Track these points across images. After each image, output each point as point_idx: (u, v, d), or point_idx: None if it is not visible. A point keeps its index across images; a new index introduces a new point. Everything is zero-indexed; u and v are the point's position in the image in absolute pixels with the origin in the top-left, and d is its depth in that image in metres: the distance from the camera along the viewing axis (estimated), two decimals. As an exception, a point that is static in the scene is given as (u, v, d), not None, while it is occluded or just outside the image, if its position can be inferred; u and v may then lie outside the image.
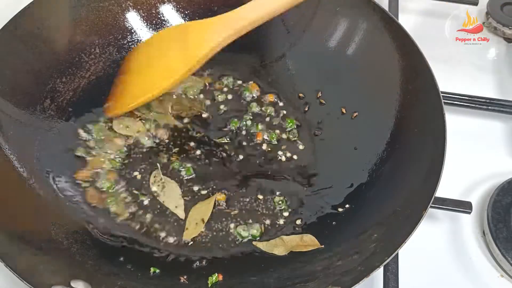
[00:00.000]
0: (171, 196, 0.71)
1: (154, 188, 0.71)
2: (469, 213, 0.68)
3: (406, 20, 0.83)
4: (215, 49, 0.68)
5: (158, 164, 0.73)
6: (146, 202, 0.70)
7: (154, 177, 0.72)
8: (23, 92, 0.72)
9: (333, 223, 0.68)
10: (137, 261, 0.66)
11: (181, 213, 0.70)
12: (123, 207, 0.70)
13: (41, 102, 0.73)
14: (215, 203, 0.70)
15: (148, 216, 0.69)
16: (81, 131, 0.74)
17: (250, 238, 0.68)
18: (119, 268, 0.64)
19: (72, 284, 0.57)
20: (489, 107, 0.80)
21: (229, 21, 0.67)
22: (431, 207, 0.60)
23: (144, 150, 0.75)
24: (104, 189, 0.71)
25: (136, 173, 0.73)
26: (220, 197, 0.71)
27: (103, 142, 0.74)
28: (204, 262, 0.65)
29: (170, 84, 0.70)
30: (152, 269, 0.64)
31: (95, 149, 0.74)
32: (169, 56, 0.71)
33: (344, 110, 0.77)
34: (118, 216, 0.69)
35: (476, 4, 0.91)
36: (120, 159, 0.74)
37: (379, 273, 0.61)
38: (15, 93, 0.71)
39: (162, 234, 0.68)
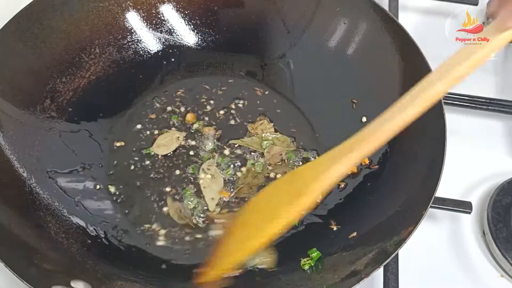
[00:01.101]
0: (213, 188, 0.72)
1: (201, 175, 0.73)
2: (469, 213, 0.68)
3: (406, 20, 0.83)
4: (335, 181, 0.55)
5: (215, 154, 0.75)
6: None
7: (209, 165, 0.74)
8: (23, 92, 0.72)
9: (333, 223, 0.68)
10: (138, 261, 0.66)
11: (212, 206, 0.71)
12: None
13: (41, 102, 0.73)
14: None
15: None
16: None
17: None
18: (119, 268, 0.64)
19: (72, 284, 0.57)
20: (489, 107, 0.80)
21: (337, 157, 0.55)
22: (431, 207, 0.60)
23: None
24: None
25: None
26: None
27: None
28: None
29: (276, 228, 0.57)
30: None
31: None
32: (275, 203, 0.59)
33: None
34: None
35: (476, 4, 0.91)
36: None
37: (379, 273, 0.61)
38: (15, 93, 0.71)
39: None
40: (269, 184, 0.66)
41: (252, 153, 0.76)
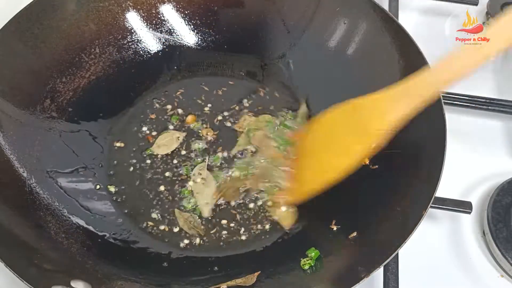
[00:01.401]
0: (206, 192, 0.71)
1: (190, 183, 0.72)
2: (469, 213, 0.68)
3: (406, 20, 0.82)
4: (400, 122, 0.58)
5: (206, 158, 0.74)
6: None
7: (200, 170, 0.73)
8: (23, 92, 0.72)
9: (333, 223, 0.68)
10: (138, 261, 0.66)
11: (206, 212, 0.70)
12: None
13: (41, 102, 0.73)
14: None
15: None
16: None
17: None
18: (119, 268, 0.64)
19: (72, 284, 0.57)
20: (489, 107, 0.80)
21: (412, 91, 0.57)
22: (431, 207, 0.60)
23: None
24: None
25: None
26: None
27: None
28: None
29: (346, 166, 0.62)
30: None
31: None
32: (343, 138, 0.64)
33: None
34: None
35: (476, 4, 0.91)
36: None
37: (379, 273, 0.61)
38: (15, 93, 0.71)
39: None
40: (329, 113, 0.67)
41: (244, 151, 0.76)
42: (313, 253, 0.63)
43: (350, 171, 0.63)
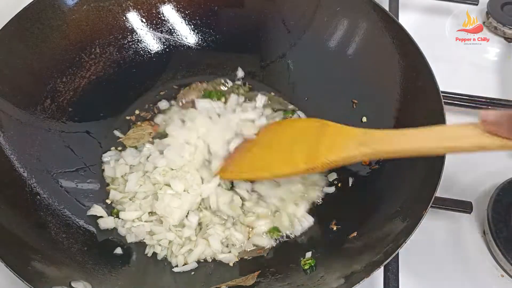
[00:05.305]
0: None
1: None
2: (469, 213, 0.68)
3: (406, 20, 0.83)
4: (347, 161, 0.61)
5: None
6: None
7: None
8: (23, 92, 0.72)
9: (334, 223, 0.68)
10: (139, 261, 0.66)
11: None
12: None
13: (42, 102, 0.73)
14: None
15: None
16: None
17: None
18: (119, 269, 0.64)
19: (72, 284, 0.57)
20: (489, 107, 0.80)
21: (373, 140, 0.59)
22: (431, 207, 0.60)
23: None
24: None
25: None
26: None
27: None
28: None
29: (285, 175, 0.67)
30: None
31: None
32: (297, 146, 0.66)
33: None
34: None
35: (476, 4, 0.91)
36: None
37: (379, 273, 0.61)
38: (15, 93, 0.71)
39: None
40: (298, 121, 0.72)
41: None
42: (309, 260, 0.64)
43: (280, 177, 0.67)
